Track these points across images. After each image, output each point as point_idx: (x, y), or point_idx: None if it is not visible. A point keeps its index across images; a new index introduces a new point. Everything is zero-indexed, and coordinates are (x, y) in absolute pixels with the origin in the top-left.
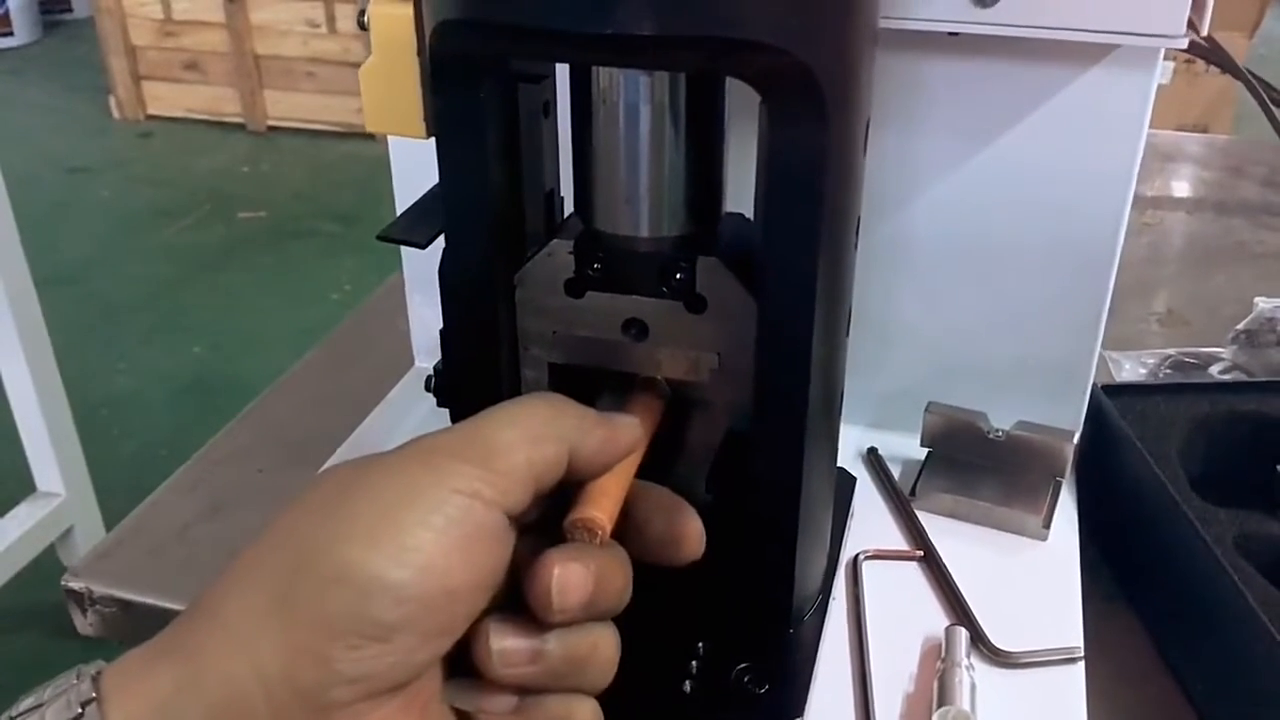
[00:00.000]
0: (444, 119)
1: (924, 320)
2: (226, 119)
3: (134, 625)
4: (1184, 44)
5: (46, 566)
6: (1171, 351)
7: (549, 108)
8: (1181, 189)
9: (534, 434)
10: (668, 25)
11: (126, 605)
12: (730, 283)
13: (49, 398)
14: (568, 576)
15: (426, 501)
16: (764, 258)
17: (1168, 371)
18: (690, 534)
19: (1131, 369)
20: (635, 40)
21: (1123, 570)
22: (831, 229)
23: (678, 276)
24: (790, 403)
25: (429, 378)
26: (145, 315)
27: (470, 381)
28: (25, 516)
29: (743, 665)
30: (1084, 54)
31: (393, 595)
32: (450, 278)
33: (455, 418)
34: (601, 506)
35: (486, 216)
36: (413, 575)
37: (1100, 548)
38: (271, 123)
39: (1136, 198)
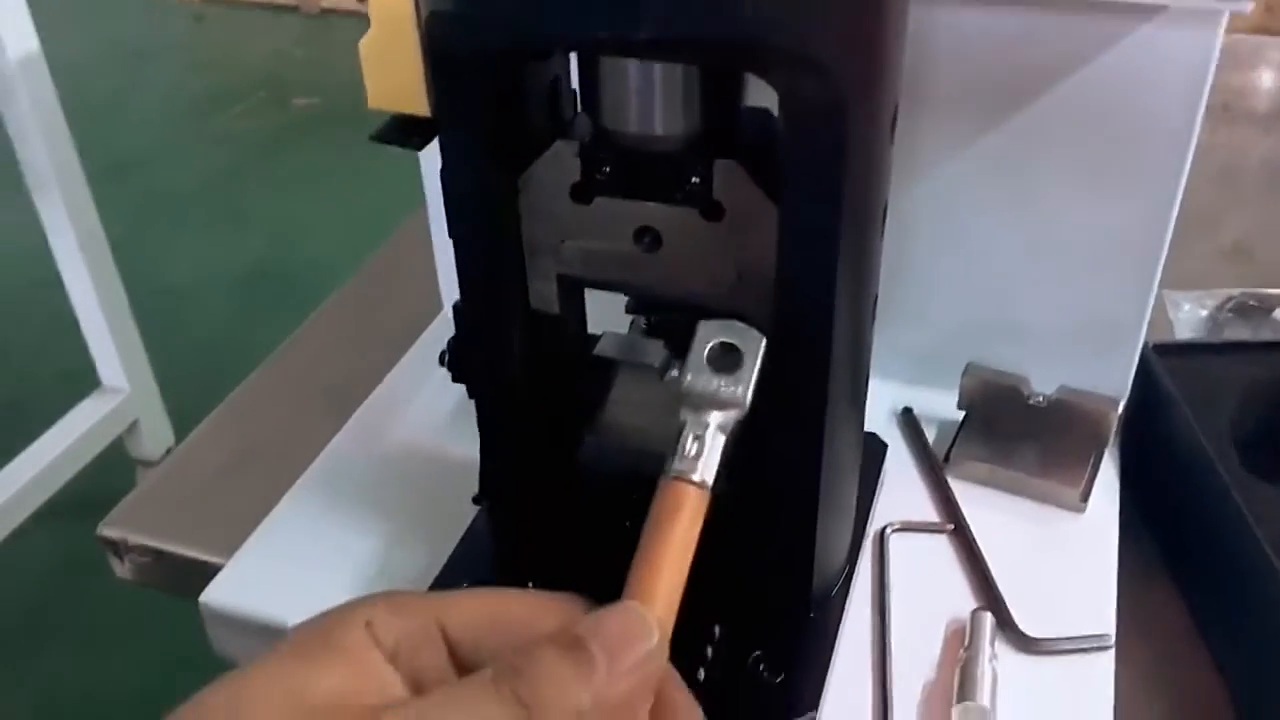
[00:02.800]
0: (444, 104)
1: (967, 269)
2: (279, 1)
3: (167, 573)
4: (1248, 8)
5: (115, 459)
6: (1235, 292)
7: (559, 84)
8: (1259, 103)
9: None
10: (665, 28)
11: (159, 554)
12: (749, 188)
13: (107, 293)
14: None
15: None
16: (782, 252)
17: (1228, 315)
18: None
19: (1191, 311)
20: (633, 41)
21: (1165, 543)
22: (853, 226)
23: (693, 180)
24: (809, 386)
25: (442, 353)
26: (203, 205)
27: (481, 308)
28: (91, 411)
29: (758, 652)
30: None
31: None
32: (450, 184)
33: (471, 390)
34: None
35: (484, 133)
36: None
37: (1143, 516)
38: (325, 4)
39: (1207, 113)
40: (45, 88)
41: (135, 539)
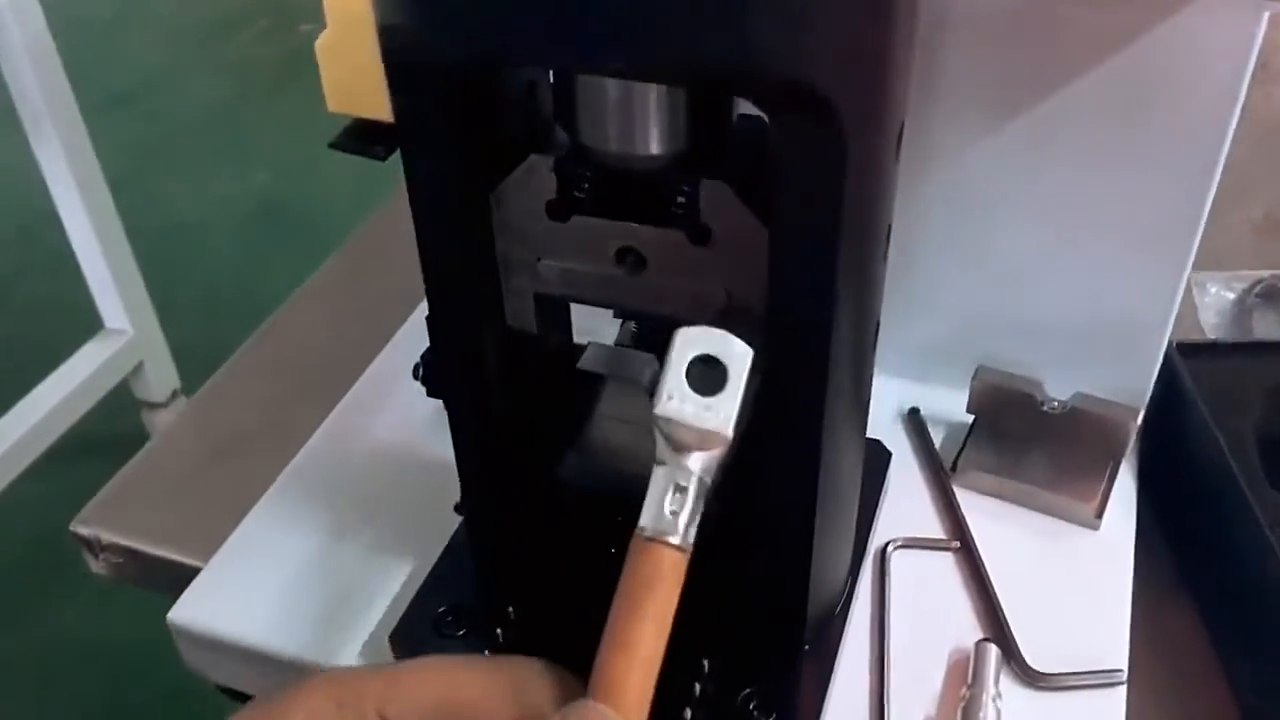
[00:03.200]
0: (406, 116)
1: (980, 260)
2: None
3: (143, 573)
4: None
5: (122, 400)
6: (1265, 275)
7: (536, 89)
8: None
9: None
10: (639, 57)
11: (134, 554)
12: (739, 211)
13: (107, 234)
14: None
15: None
16: (774, 283)
17: (1256, 299)
18: None
19: (1217, 294)
20: (604, 70)
21: (1182, 556)
22: (852, 256)
23: (679, 200)
24: (804, 414)
25: (416, 365)
26: (208, 138)
27: (453, 326)
28: (95, 354)
29: (749, 690)
30: None
31: None
32: (417, 198)
33: (448, 405)
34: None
35: (451, 146)
36: None
37: (1160, 527)
38: None
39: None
40: (35, 17)
41: (108, 538)
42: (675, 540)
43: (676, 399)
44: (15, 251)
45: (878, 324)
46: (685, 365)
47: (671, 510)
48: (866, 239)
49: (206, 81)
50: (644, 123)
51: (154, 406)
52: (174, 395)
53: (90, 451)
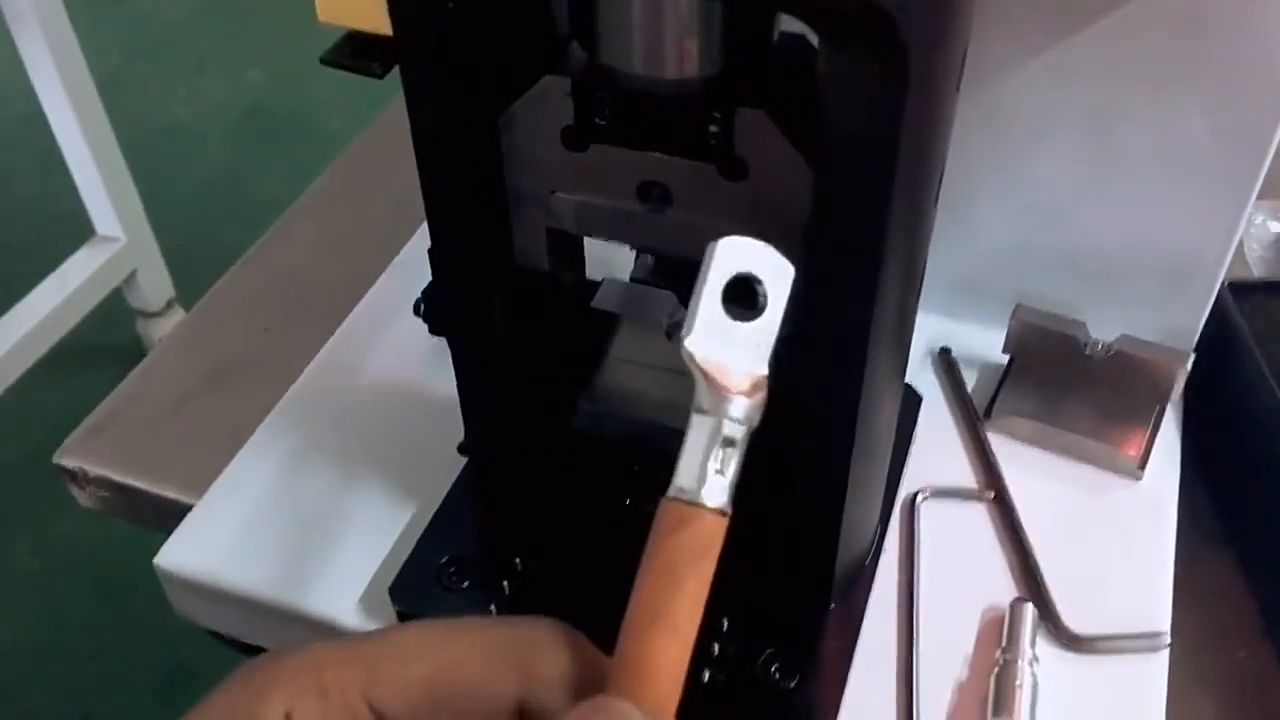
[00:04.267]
0: (405, 25)
1: (1023, 185)
2: None
3: (132, 508)
4: None
5: (115, 308)
6: None
7: None
8: None
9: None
10: None
11: (121, 488)
12: (779, 144)
13: (96, 137)
14: None
15: None
16: (817, 225)
17: None
18: None
19: (1263, 225)
20: None
21: (1226, 509)
22: (905, 198)
23: (711, 130)
24: (842, 366)
25: (417, 301)
26: (200, 36)
27: (458, 262)
28: (87, 262)
29: (770, 650)
30: None
31: None
32: (418, 121)
33: (451, 344)
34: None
35: (455, 61)
36: None
37: (1203, 477)
38: None
39: None
40: None
41: (95, 470)
42: (718, 504)
43: (714, 328)
44: (4, 154)
45: (924, 268)
46: (723, 285)
47: (716, 469)
48: (921, 180)
49: None
50: (675, 41)
51: (149, 315)
52: (169, 304)
53: (85, 362)
